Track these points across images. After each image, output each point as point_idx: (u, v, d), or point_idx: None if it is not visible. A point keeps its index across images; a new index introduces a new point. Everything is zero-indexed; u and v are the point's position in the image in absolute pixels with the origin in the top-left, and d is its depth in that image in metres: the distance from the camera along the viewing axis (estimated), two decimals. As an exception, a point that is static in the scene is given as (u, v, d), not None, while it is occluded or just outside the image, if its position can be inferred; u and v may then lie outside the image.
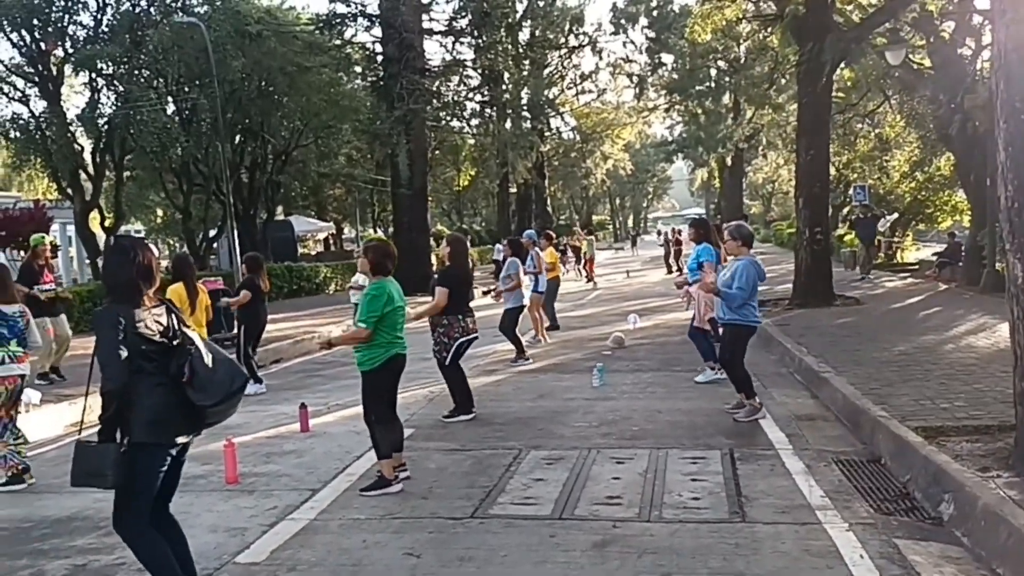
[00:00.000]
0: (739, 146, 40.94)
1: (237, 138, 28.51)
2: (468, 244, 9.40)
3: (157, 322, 3.71)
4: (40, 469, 6.64)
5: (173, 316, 3.80)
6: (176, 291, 8.43)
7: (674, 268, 27.33)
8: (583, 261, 28.82)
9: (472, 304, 8.32)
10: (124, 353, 3.55)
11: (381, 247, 6.19)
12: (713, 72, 39.59)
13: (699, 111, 41.40)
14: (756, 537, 4.50)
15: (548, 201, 48.42)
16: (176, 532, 3.96)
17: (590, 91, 46.49)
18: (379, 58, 28.17)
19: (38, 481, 6.43)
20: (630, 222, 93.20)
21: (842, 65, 17.36)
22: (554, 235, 16.59)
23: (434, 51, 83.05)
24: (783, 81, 26.96)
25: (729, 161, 45.65)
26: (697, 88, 39.52)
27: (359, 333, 5.74)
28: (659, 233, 55.99)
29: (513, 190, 43.58)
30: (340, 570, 4.35)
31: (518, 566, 4.25)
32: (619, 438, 6.80)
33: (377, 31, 28.08)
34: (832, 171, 20.65)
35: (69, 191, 26.05)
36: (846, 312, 13.56)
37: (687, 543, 4.43)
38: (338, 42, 28.08)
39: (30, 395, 7.46)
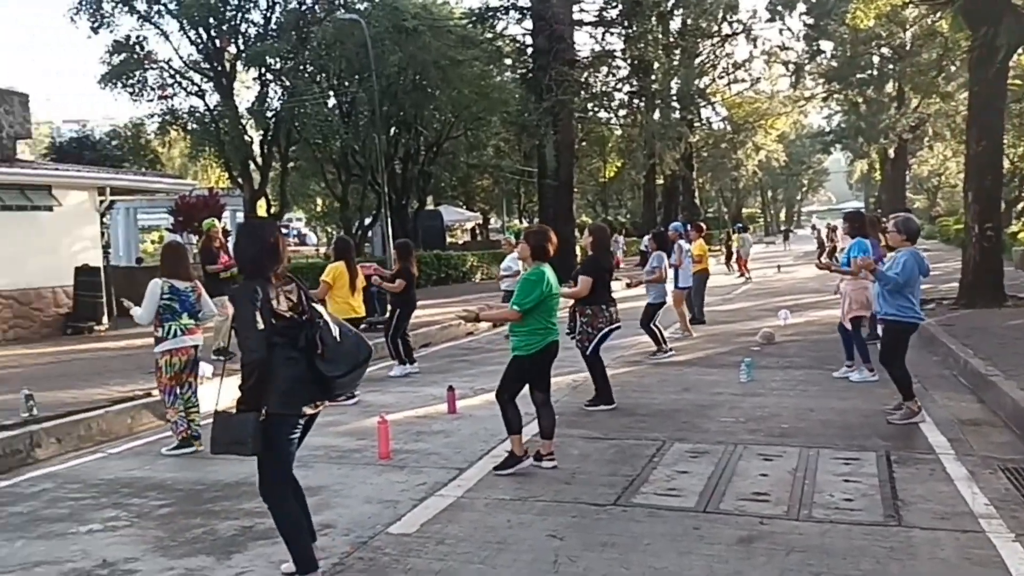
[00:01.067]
0: (903, 137, 38.73)
1: (392, 130, 29.51)
2: (609, 234, 9.38)
3: (288, 298, 3.95)
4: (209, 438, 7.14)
5: (302, 293, 4.04)
6: (337, 269, 8.92)
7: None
8: (734, 257, 28.11)
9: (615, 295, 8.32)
10: (261, 325, 3.80)
11: (542, 231, 6.27)
12: (876, 59, 37.62)
13: (860, 100, 39.44)
14: (912, 542, 4.31)
15: (696, 193, 47.39)
16: (299, 492, 4.22)
17: (743, 80, 45.01)
18: (529, 50, 28.46)
19: (208, 448, 6.92)
20: (782, 215, 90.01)
21: (1019, 51, 16.12)
22: (704, 227, 16.25)
23: (583, 42, 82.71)
24: (952, 68, 25.33)
25: (892, 152, 43.30)
26: (858, 76, 37.69)
27: (511, 314, 5.83)
28: (813, 228, 53.81)
29: (660, 181, 43.00)
30: (486, 546, 4.48)
31: (662, 555, 4.25)
32: (767, 435, 6.64)
33: (528, 23, 28.36)
34: (1006, 164, 19.25)
35: (239, 180, 27.77)
36: (1018, 314, 12.64)
37: (838, 544, 4.30)
38: (489, 35, 28.57)
39: (204, 368, 8.04)
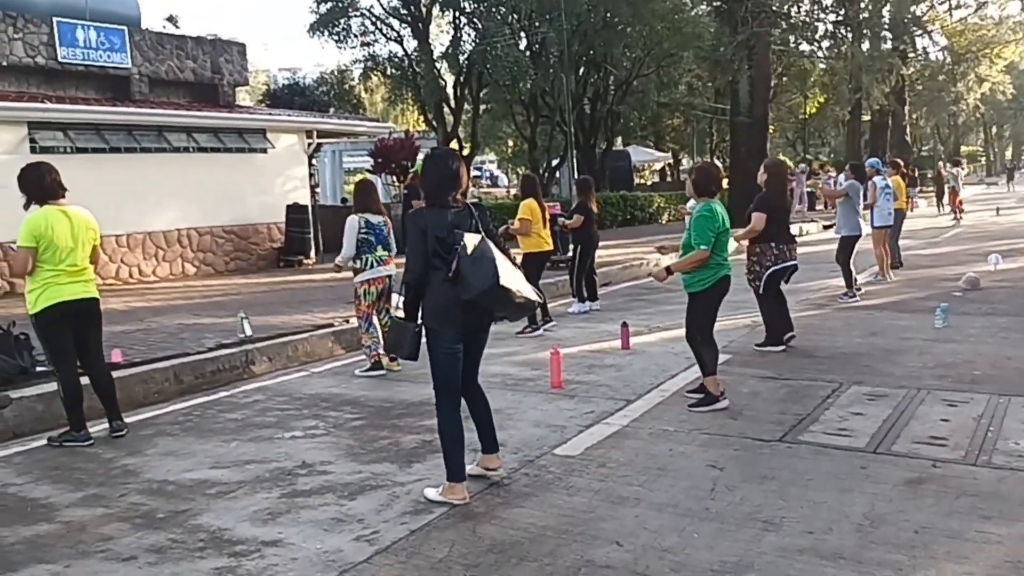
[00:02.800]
0: None
1: (581, 70, 29.38)
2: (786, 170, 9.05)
3: (455, 225, 4.22)
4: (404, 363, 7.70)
5: (476, 220, 4.29)
6: (529, 206, 9.36)
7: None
8: (945, 195, 25.96)
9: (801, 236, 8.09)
10: (421, 249, 4.17)
11: (705, 168, 6.30)
12: None
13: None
14: (1104, 497, 4.04)
15: (907, 130, 44.05)
16: (482, 399, 4.59)
17: (966, 5, 41.09)
18: (724, -20, 27.28)
19: (401, 371, 7.46)
20: (1008, 154, 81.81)
21: None
22: (901, 163, 15.19)
23: (787, -30, 78.08)
24: None
25: None
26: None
27: (699, 255, 5.80)
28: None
29: (866, 118, 40.24)
30: (646, 471, 4.63)
31: (821, 491, 4.23)
32: (956, 381, 6.30)
33: (724, -49, 27.15)
34: None
35: (434, 123, 28.75)
36: None
37: (1015, 491, 4.09)
38: (684, -35, 27.62)
39: (396, 299, 8.62)
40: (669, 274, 6.09)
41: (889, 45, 33.89)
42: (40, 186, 5.56)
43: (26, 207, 5.59)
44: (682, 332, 6.31)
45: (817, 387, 6.31)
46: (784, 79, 37.78)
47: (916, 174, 36.68)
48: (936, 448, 4.79)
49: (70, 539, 4.09)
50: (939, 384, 6.21)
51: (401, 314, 4.42)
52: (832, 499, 4.12)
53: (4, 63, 14.50)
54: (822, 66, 36.44)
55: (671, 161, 47.28)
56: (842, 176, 12.56)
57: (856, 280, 10.51)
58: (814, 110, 44.96)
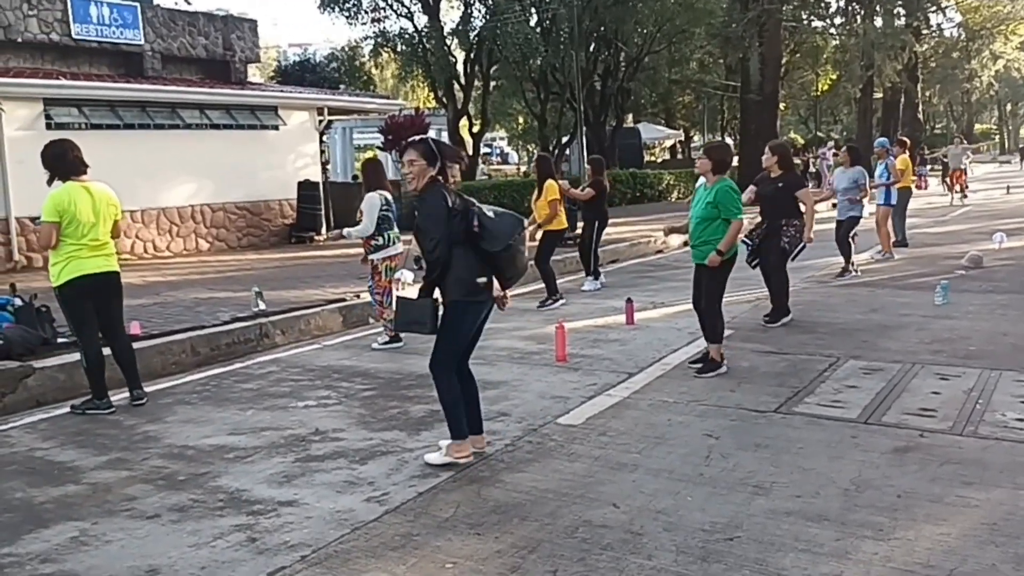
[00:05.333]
0: None
1: (591, 46, 29.34)
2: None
3: (457, 195, 4.47)
4: (410, 335, 7.90)
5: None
6: (554, 186, 9.65)
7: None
8: (950, 173, 25.83)
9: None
10: (448, 223, 4.33)
11: (722, 146, 6.60)
12: None
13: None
14: (1084, 465, 4.21)
15: (919, 107, 43.83)
16: (471, 384, 4.71)
17: (982, -19, 40.79)
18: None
19: (406, 344, 7.67)
20: (1022, 132, 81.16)
21: None
22: (908, 141, 15.23)
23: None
24: None
25: None
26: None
27: (736, 226, 6.16)
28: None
29: (879, 95, 40.09)
30: (644, 440, 4.83)
31: (812, 458, 4.42)
32: (950, 356, 6.47)
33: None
34: None
35: (444, 100, 28.81)
36: None
37: (997, 459, 4.27)
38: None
39: (404, 274, 8.83)
40: (721, 255, 6.17)
41: (902, 22, 33.73)
42: (63, 162, 5.75)
43: (49, 183, 5.79)
44: (685, 307, 6.54)
45: (815, 361, 6.48)
46: (796, 56, 37.60)
47: (927, 153, 36.55)
48: (925, 419, 4.97)
49: (96, 499, 4.32)
50: (934, 359, 6.38)
51: (411, 293, 4.62)
52: (821, 466, 4.31)
53: (19, 40, 14.67)
54: (834, 43, 36.29)
55: (682, 138, 47.17)
56: (830, 152, 12.67)
57: (853, 259, 10.70)
58: (826, 87, 44.75)
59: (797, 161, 25.91)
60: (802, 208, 7.99)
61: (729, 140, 40.22)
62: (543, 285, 9.71)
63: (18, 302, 7.13)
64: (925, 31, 39.27)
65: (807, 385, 5.83)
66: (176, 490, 4.38)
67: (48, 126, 13.24)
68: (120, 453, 5.04)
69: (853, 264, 10.66)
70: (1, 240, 12.86)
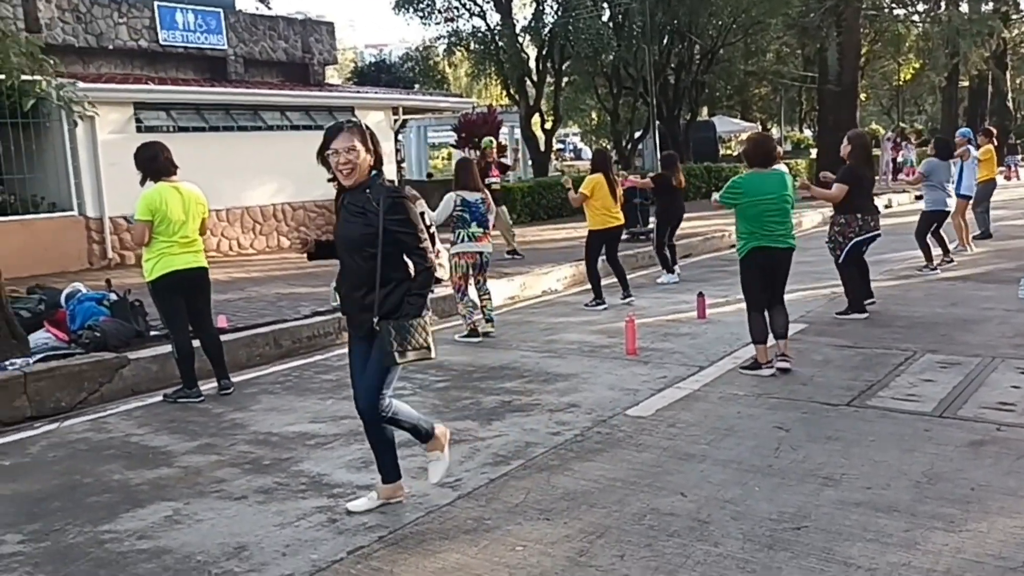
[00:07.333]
0: None
1: (664, 40, 29.11)
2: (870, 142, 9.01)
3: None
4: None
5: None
6: (596, 181, 9.30)
7: None
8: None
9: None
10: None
11: (756, 140, 6.47)
12: None
13: None
14: None
15: (1008, 95, 42.09)
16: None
17: (1078, -40, 38.84)
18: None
19: (482, 341, 7.83)
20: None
21: None
22: (994, 131, 14.72)
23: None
24: None
25: None
26: None
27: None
28: None
29: (964, 83, 38.68)
30: (713, 431, 4.87)
31: (885, 451, 4.40)
32: (1033, 351, 6.31)
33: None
34: None
35: (516, 97, 28.97)
36: None
37: (1078, 455, 4.20)
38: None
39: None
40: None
41: (990, 6, 32.44)
42: (155, 164, 6.07)
43: (142, 183, 6.11)
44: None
45: (891, 355, 6.39)
46: (877, 45, 36.54)
47: (1017, 142, 35.16)
48: (1003, 413, 4.89)
49: (188, 481, 4.58)
50: (1015, 353, 6.23)
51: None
52: (893, 458, 4.29)
53: (110, 47, 15.36)
54: (917, 30, 35.13)
55: (758, 131, 46.31)
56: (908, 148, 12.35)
57: (943, 251, 10.45)
58: (909, 77, 43.40)
59: (877, 152, 25.26)
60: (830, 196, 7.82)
61: (808, 132, 39.40)
62: (614, 282, 9.64)
63: (113, 297, 7.53)
64: (1015, 16, 37.68)
65: (882, 379, 5.76)
66: (261, 474, 4.61)
67: (138, 129, 13.83)
68: (209, 439, 5.32)
69: (943, 256, 10.43)
70: (96, 239, 13.48)
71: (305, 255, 4.37)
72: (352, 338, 4.11)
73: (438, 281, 4.05)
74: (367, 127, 4.03)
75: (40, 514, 4.22)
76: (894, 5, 30.19)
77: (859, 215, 7.71)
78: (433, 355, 3.94)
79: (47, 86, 7.60)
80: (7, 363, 6.28)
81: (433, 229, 4.09)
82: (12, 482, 4.74)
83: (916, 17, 31.98)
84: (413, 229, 3.85)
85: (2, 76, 7.66)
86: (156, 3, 15.74)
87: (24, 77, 7.42)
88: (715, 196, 6.25)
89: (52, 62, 7.51)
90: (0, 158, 12.27)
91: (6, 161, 12.42)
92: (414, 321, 3.81)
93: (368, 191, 3.89)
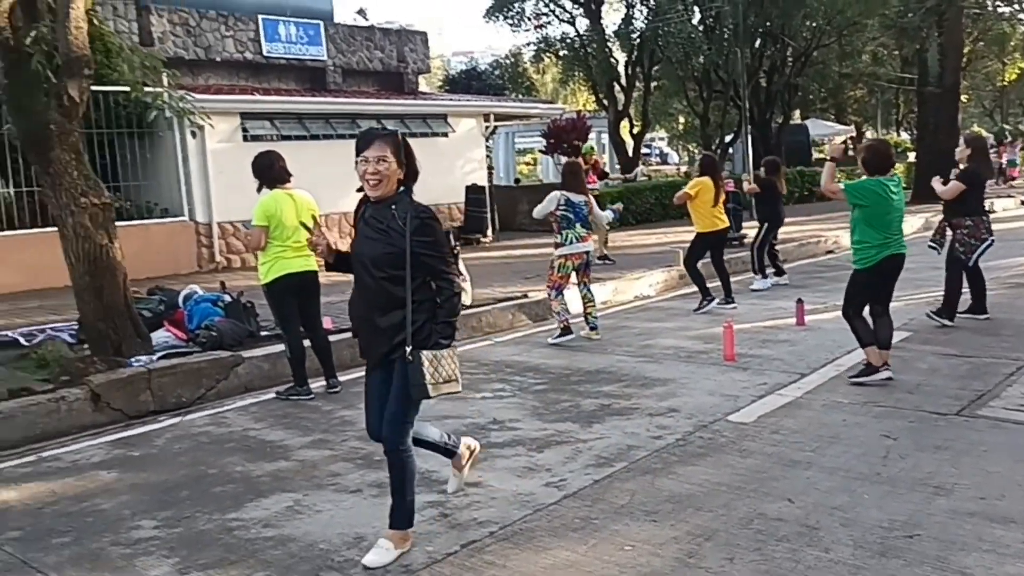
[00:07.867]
0: None
1: (756, 42, 28.68)
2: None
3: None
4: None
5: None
6: (703, 184, 9.49)
7: None
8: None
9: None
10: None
11: (874, 146, 6.37)
12: None
13: None
14: None
15: (1125, 94, 40.00)
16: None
17: None
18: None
19: (576, 337, 7.97)
20: None
21: None
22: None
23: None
24: None
25: None
26: None
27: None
28: None
29: (1076, 83, 36.92)
30: (818, 439, 4.85)
31: (997, 461, 4.32)
32: None
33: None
34: None
35: (605, 102, 28.99)
36: None
37: None
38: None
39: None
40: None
41: (1104, 1, 30.86)
42: (270, 172, 6.38)
43: (258, 190, 6.43)
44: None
45: (1000, 364, 6.23)
46: (979, 45, 35.17)
47: None
48: (1125, 427, 4.73)
49: (305, 474, 4.82)
50: None
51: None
52: (1006, 468, 4.21)
53: (218, 59, 16.08)
54: (1023, 29, 33.69)
55: (853, 134, 45.06)
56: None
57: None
58: (1014, 77, 41.63)
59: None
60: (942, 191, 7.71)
61: (904, 135, 38.20)
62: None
63: (227, 299, 7.91)
64: None
65: (992, 389, 5.63)
66: (374, 468, 4.81)
67: (244, 138, 14.42)
68: (322, 434, 5.57)
69: None
70: (205, 243, 14.11)
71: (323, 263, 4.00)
72: (368, 364, 3.86)
73: (465, 307, 3.82)
74: (403, 137, 3.79)
75: (170, 502, 4.50)
76: (999, 3, 29.00)
77: (984, 217, 7.67)
78: (459, 387, 3.74)
79: (168, 98, 8.06)
80: (133, 360, 6.69)
81: (458, 249, 3.95)
82: (142, 471, 5.07)
83: (1022, 15, 30.65)
84: (441, 252, 3.64)
85: (126, 88, 8.17)
86: (261, 16, 16.40)
87: (147, 89, 7.90)
88: (840, 184, 6.19)
89: (173, 75, 7.96)
90: (118, 166, 12.96)
91: (123, 169, 13.13)
92: (446, 352, 3.64)
93: (394, 207, 3.64)
